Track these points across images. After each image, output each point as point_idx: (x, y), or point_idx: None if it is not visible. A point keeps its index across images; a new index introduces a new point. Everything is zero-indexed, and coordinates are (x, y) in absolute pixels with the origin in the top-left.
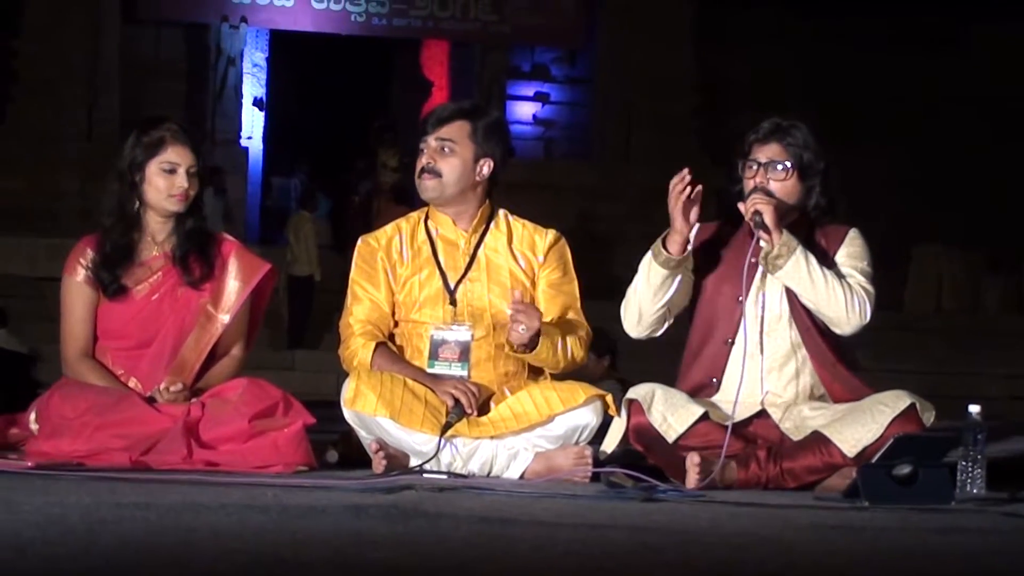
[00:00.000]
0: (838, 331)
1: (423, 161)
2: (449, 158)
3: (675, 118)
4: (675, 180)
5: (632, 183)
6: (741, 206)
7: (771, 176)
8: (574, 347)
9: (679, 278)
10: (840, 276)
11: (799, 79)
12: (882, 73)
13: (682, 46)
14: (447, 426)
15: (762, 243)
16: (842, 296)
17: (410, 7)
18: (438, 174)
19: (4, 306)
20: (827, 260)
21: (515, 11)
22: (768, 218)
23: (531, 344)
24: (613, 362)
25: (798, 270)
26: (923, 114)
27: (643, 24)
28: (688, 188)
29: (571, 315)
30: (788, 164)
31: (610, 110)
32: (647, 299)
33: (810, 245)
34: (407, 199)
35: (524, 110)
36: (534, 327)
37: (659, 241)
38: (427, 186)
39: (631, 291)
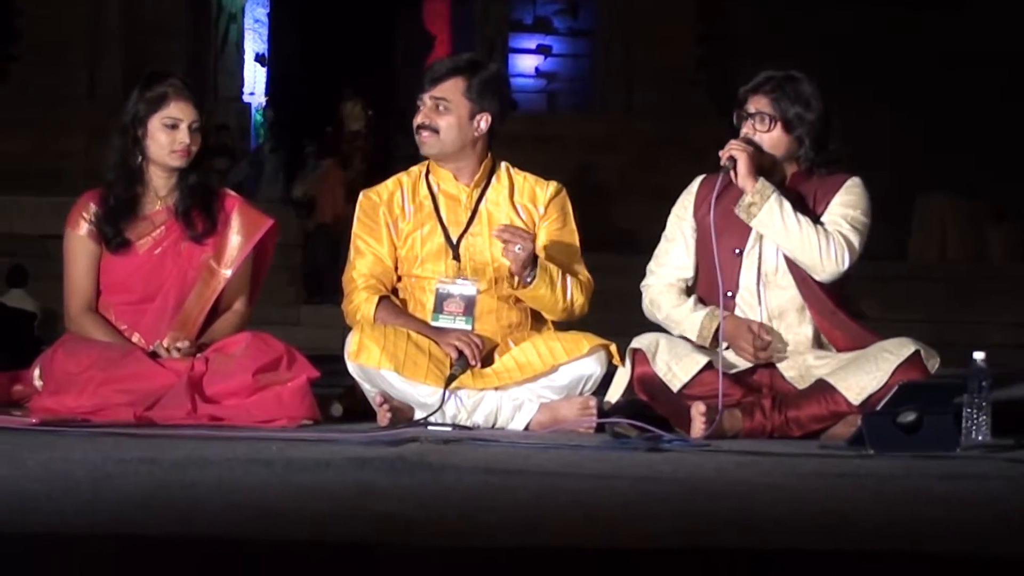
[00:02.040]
0: (816, 278)
1: (419, 119)
2: (444, 115)
3: (678, 70)
4: (757, 348)
5: (635, 135)
6: (721, 153)
7: (757, 127)
8: (574, 289)
9: None
10: (817, 223)
11: (804, 28)
12: (887, 21)
13: None
14: (451, 378)
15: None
16: (816, 242)
17: None
18: (435, 130)
19: (21, 265)
20: (820, 208)
21: None
22: (741, 164)
23: (530, 273)
24: None
25: (771, 216)
26: (928, 63)
27: None
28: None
29: (572, 264)
30: (770, 116)
31: (612, 62)
32: (680, 333)
33: (806, 194)
34: (349, 165)
35: (526, 63)
36: (528, 246)
37: (711, 329)
38: (426, 142)
39: (661, 316)
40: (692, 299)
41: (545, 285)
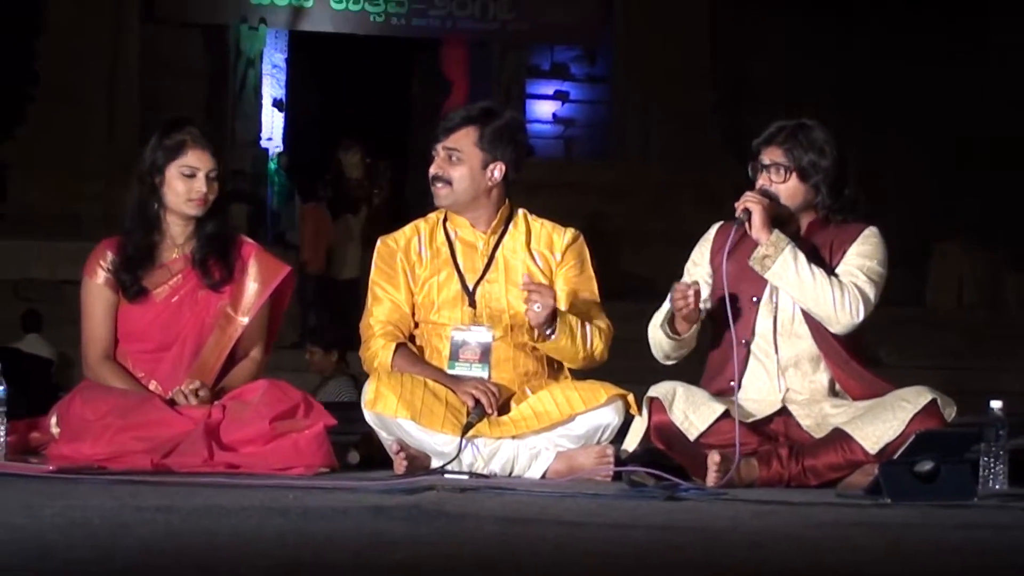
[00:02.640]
0: (831, 330)
1: (433, 170)
2: (457, 166)
3: (694, 115)
4: (677, 296)
5: (652, 180)
6: (736, 204)
7: (772, 178)
8: (594, 337)
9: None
10: (831, 275)
11: (820, 73)
12: (904, 67)
13: (701, 43)
14: (468, 427)
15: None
16: (831, 295)
17: (429, 7)
18: (448, 182)
19: (35, 310)
20: (837, 257)
21: (534, 10)
22: (756, 217)
23: (550, 327)
24: (342, 356)
25: (786, 269)
26: (945, 110)
27: (661, 21)
28: (690, 299)
29: (591, 312)
30: (785, 166)
31: (630, 108)
32: (668, 349)
33: (823, 243)
34: (347, 206)
35: (544, 109)
36: (549, 304)
37: (665, 322)
38: (439, 194)
39: (651, 339)
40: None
41: (566, 337)
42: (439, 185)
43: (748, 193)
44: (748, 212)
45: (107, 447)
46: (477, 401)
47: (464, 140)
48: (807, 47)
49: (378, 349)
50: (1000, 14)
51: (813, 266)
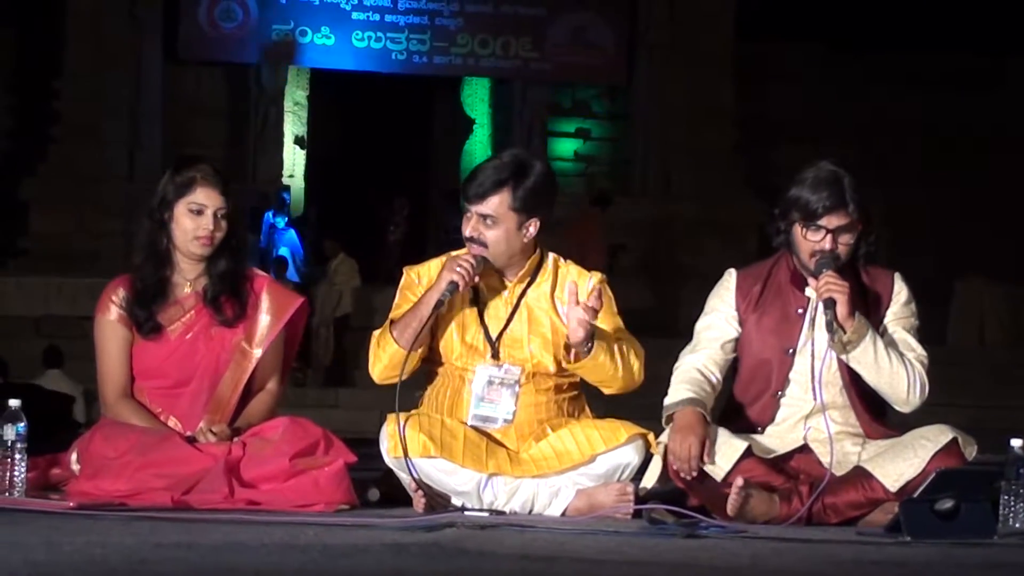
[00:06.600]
0: (898, 409)
1: (468, 231)
2: (492, 229)
3: (716, 153)
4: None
5: (673, 218)
6: (812, 284)
7: (840, 241)
8: (630, 355)
9: None
10: (901, 354)
11: (839, 111)
12: (922, 104)
13: (722, 81)
14: (439, 304)
15: (824, 313)
16: (904, 379)
17: (451, 45)
18: (484, 244)
19: (56, 346)
20: (875, 312)
21: (555, 49)
22: (841, 308)
23: (588, 343)
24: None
25: (866, 355)
26: (964, 147)
27: (683, 60)
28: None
29: (620, 338)
30: (855, 227)
31: (651, 145)
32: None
33: (862, 293)
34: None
35: (565, 146)
36: (588, 319)
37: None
38: (476, 254)
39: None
40: (695, 378)
41: (604, 351)
42: (475, 248)
43: (828, 278)
44: (832, 301)
45: (127, 484)
46: (453, 283)
47: (499, 206)
48: (828, 85)
49: (378, 335)
50: (1020, 51)
51: (890, 350)
